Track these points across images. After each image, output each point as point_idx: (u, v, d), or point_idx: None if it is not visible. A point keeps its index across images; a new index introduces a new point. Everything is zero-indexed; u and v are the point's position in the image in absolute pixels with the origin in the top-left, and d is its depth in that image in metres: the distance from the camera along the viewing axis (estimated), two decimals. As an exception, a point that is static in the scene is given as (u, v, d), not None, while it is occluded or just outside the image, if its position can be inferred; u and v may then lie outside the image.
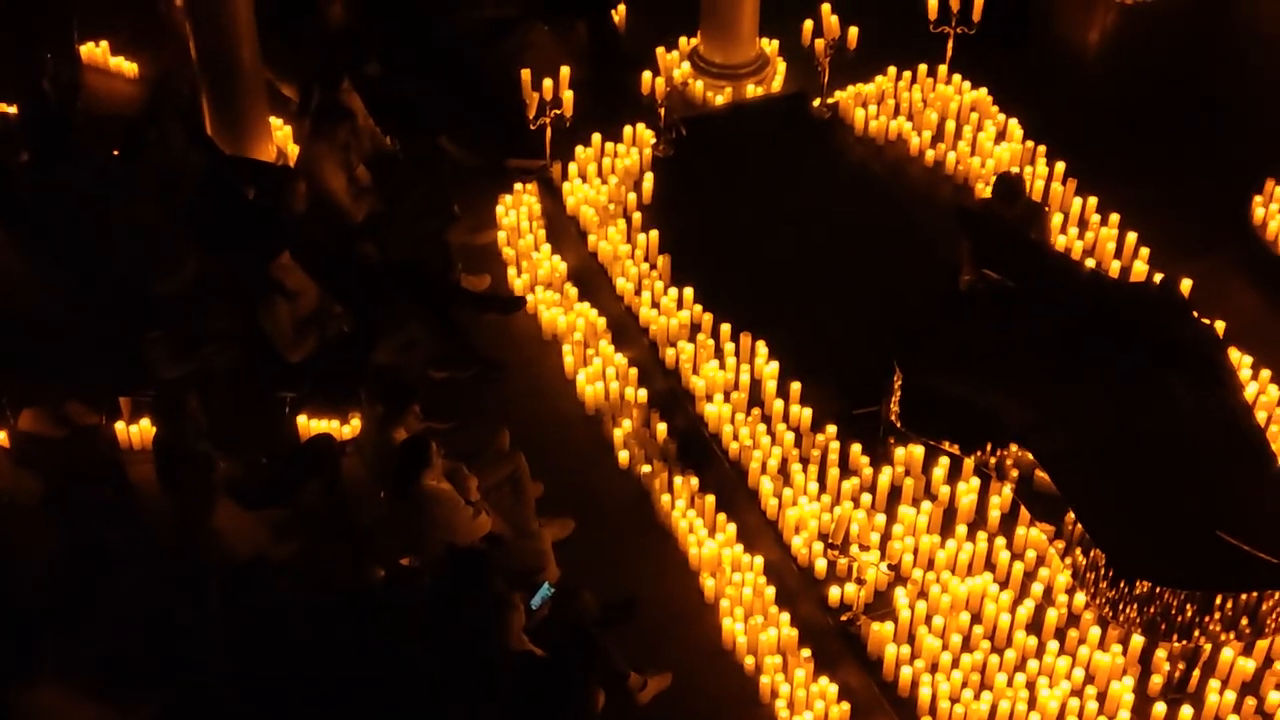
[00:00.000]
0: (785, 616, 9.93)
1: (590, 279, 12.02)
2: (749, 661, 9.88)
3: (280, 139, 12.81)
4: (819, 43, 12.87)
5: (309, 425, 10.91)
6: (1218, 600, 9.02)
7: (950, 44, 13.04)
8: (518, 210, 12.41)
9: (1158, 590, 9.04)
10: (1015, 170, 12.24)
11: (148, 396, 10.78)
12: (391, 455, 9.64)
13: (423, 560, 9.57)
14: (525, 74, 12.21)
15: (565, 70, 12.41)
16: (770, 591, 10.05)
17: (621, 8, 14.02)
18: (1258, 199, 12.42)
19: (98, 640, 9.36)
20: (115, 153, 11.94)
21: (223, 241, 11.08)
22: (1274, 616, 9.15)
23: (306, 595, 9.37)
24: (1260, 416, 10.63)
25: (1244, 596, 9.01)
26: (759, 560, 10.21)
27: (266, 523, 9.94)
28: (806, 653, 9.76)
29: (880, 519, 10.32)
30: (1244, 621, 9.11)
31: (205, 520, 9.68)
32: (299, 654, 9.08)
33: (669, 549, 10.50)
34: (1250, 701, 9.51)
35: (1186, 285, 11.35)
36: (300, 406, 10.95)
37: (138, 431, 10.99)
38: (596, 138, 12.71)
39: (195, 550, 9.71)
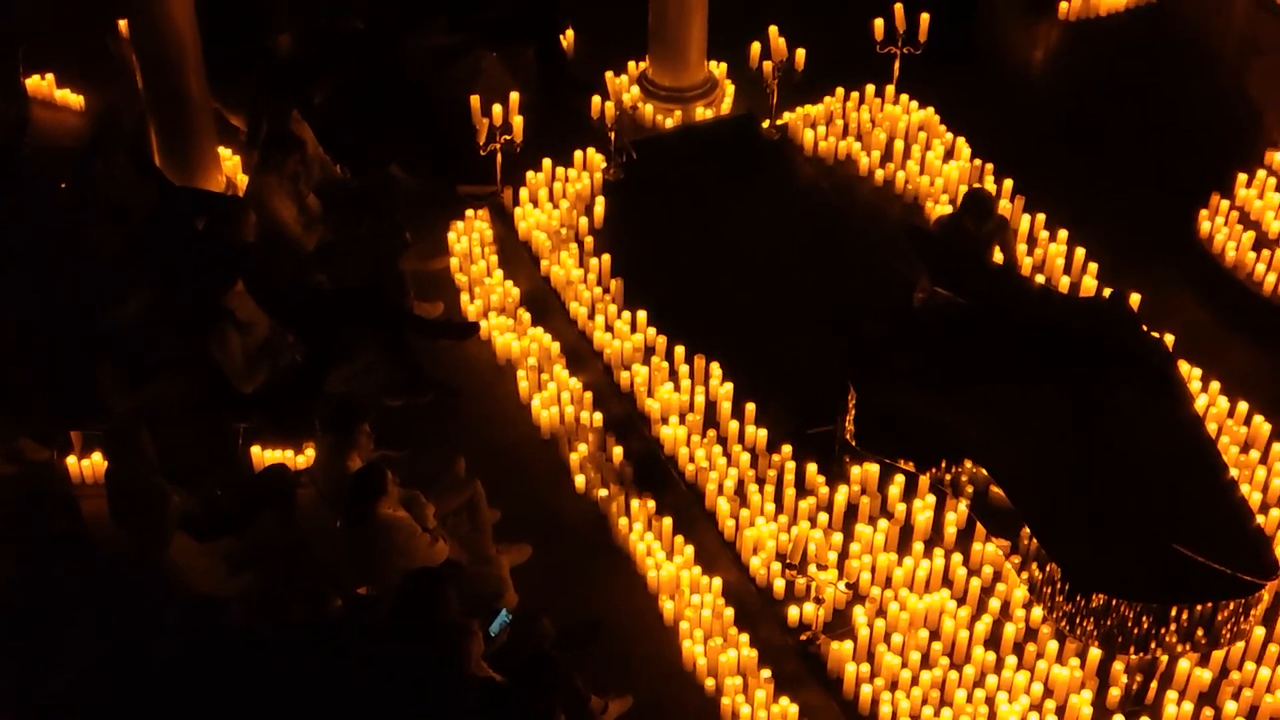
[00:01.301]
0: (745, 637, 9.93)
1: (543, 304, 12.02)
2: (709, 683, 9.87)
3: (229, 169, 12.76)
4: (767, 65, 12.93)
5: (263, 456, 10.85)
6: (1173, 612, 9.08)
7: (897, 64, 13.13)
8: (469, 236, 12.40)
9: (1114, 603, 9.10)
10: (981, 186, 12.32)
11: (99, 430, 10.69)
12: (347, 484, 9.59)
13: (380, 589, 9.52)
14: (475, 100, 12.22)
15: (515, 96, 12.42)
16: (729, 613, 10.05)
17: (570, 33, 14.06)
18: (1203, 212, 12.54)
19: (58, 675, 9.27)
20: (63, 185, 11.86)
21: (172, 273, 11.02)
22: (1229, 627, 9.22)
23: (264, 627, 9.30)
24: (1211, 428, 10.72)
25: (1199, 608, 9.08)
26: (717, 582, 10.22)
27: (222, 555, 9.87)
28: (767, 673, 9.76)
29: (837, 538, 10.35)
30: (1200, 632, 9.17)
31: (160, 554, 9.61)
32: (259, 686, 9.01)
33: (627, 572, 10.49)
34: (1207, 712, 9.56)
35: (1135, 299, 11.46)
36: (253, 437, 10.89)
37: (90, 466, 10.90)
38: (547, 162, 12.72)
39: (151, 584, 9.62)
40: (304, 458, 10.79)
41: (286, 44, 13.22)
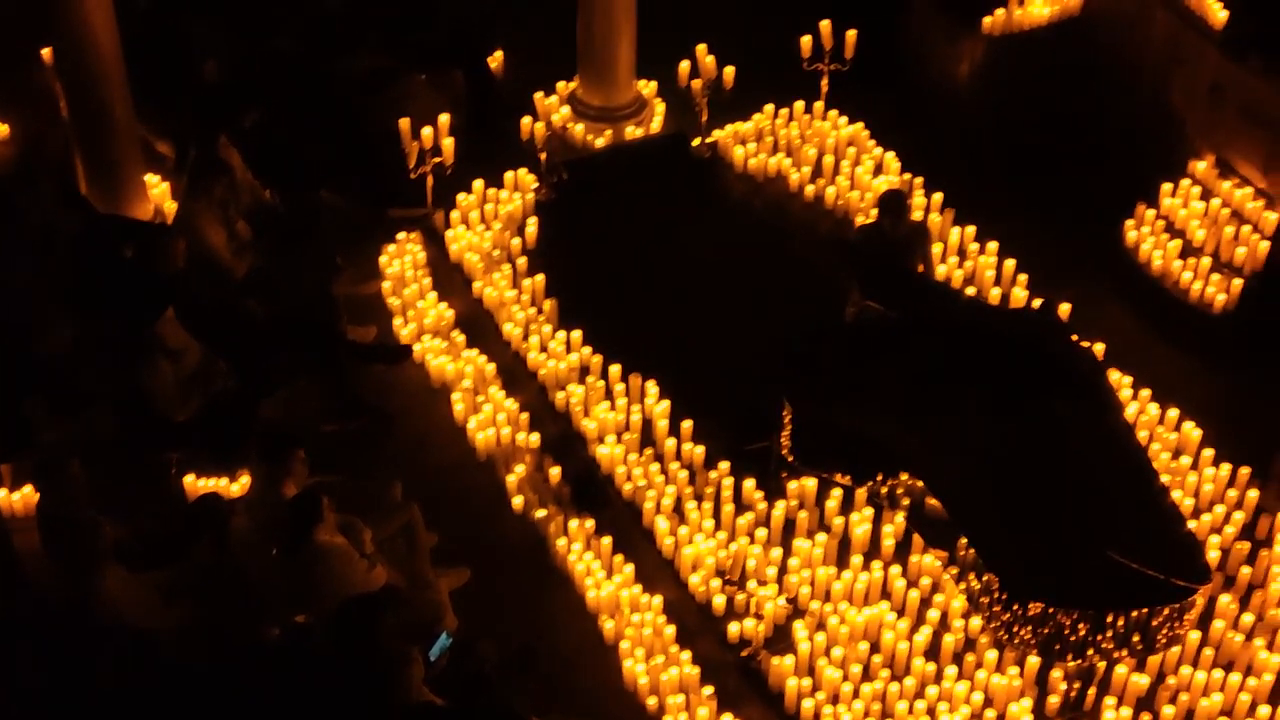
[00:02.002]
0: (686, 655, 9.93)
1: (477, 325, 11.99)
2: (651, 701, 9.85)
3: (157, 196, 12.64)
4: (696, 83, 12.98)
5: (196, 485, 10.75)
6: (1109, 618, 9.15)
7: (825, 81, 13.21)
8: (401, 259, 12.35)
9: (1051, 611, 9.16)
10: (898, 185, 12.40)
11: (29, 462, 10.56)
12: (282, 512, 9.52)
13: (318, 616, 9.45)
14: (404, 123, 12.19)
15: (444, 118, 12.40)
16: (670, 630, 10.05)
17: (498, 54, 14.05)
18: (1129, 222, 12.68)
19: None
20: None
21: (101, 301, 10.91)
22: (1164, 632, 9.31)
23: (200, 658, 9.21)
24: (1141, 435, 10.83)
25: (1135, 613, 9.16)
26: (658, 599, 10.21)
27: (156, 586, 9.76)
28: (709, 690, 9.75)
29: (776, 553, 10.36)
30: (1136, 638, 9.25)
31: (92, 585, 9.49)
32: (197, 717, 8.91)
33: (567, 592, 10.46)
34: (1145, 717, 9.65)
35: (1065, 309, 11.57)
36: (186, 466, 10.78)
37: (20, 499, 10.75)
38: (478, 184, 12.70)
39: (85, 616, 9.51)
40: (238, 486, 10.70)
41: (214, 69, 13.14)
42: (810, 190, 12.99)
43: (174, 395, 10.60)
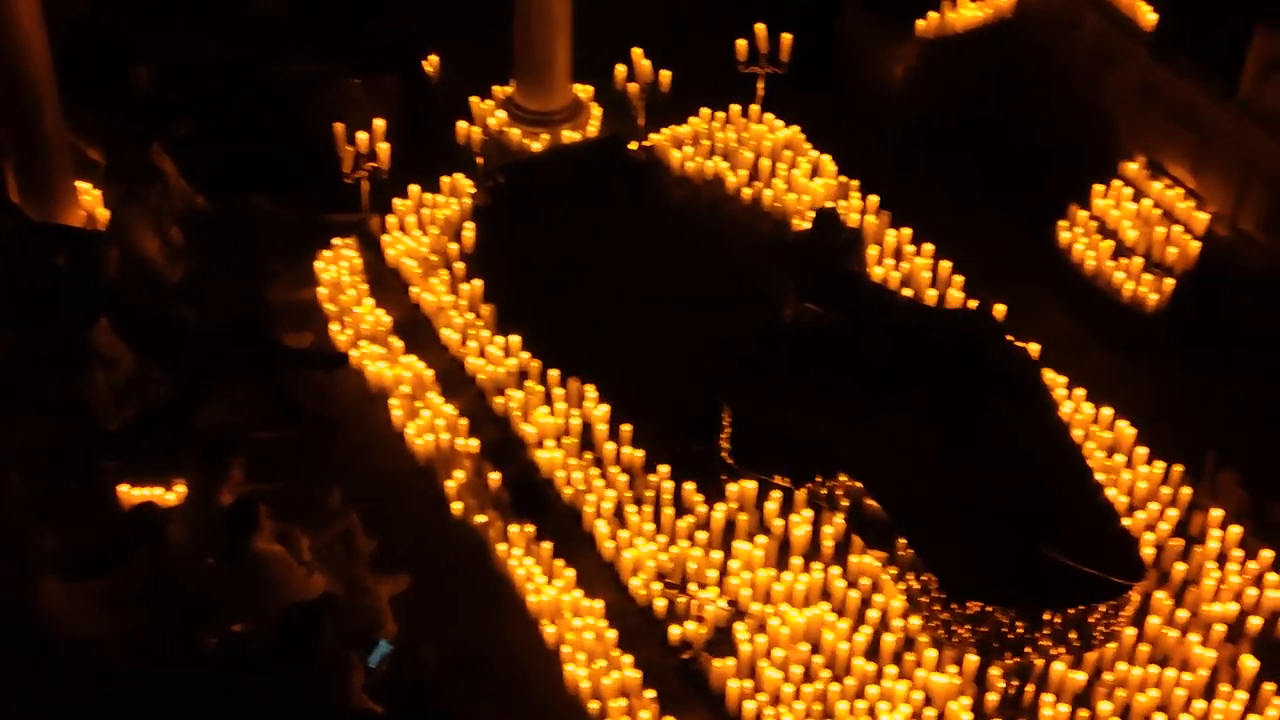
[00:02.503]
0: (628, 659, 9.93)
1: (415, 331, 11.94)
2: (594, 706, 9.84)
3: (89, 203, 12.51)
4: (632, 86, 13.00)
5: (132, 494, 10.64)
6: (1046, 616, 9.23)
7: (761, 84, 13.25)
8: (338, 265, 12.28)
9: (989, 609, 9.23)
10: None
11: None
12: (219, 520, 9.45)
13: (257, 624, 9.38)
14: (339, 128, 12.13)
15: (379, 123, 12.35)
16: (611, 634, 10.05)
17: (434, 57, 14.00)
18: (1062, 223, 12.79)
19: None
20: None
21: (34, 310, 10.80)
22: (1101, 629, 9.40)
23: (138, 668, 9.13)
24: (1076, 434, 10.93)
25: (1071, 610, 9.24)
26: (599, 604, 10.20)
27: (93, 596, 9.66)
28: (651, 694, 9.76)
29: (716, 555, 10.38)
30: (1073, 635, 9.34)
31: (27, 596, 9.38)
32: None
33: (508, 598, 10.43)
34: (1083, 713, 9.73)
35: (1000, 310, 11.67)
36: (122, 475, 10.68)
37: (-48, 510, 10.62)
38: (415, 189, 12.66)
39: (21, 628, 9.40)
40: (174, 494, 10.60)
41: (146, 75, 13.03)
42: (747, 193, 13.02)
43: (109, 403, 10.51)
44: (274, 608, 9.15)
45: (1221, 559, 10.50)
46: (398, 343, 11.80)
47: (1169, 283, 12.30)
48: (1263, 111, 11.93)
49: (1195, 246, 12.48)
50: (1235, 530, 10.57)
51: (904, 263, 12.42)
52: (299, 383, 11.45)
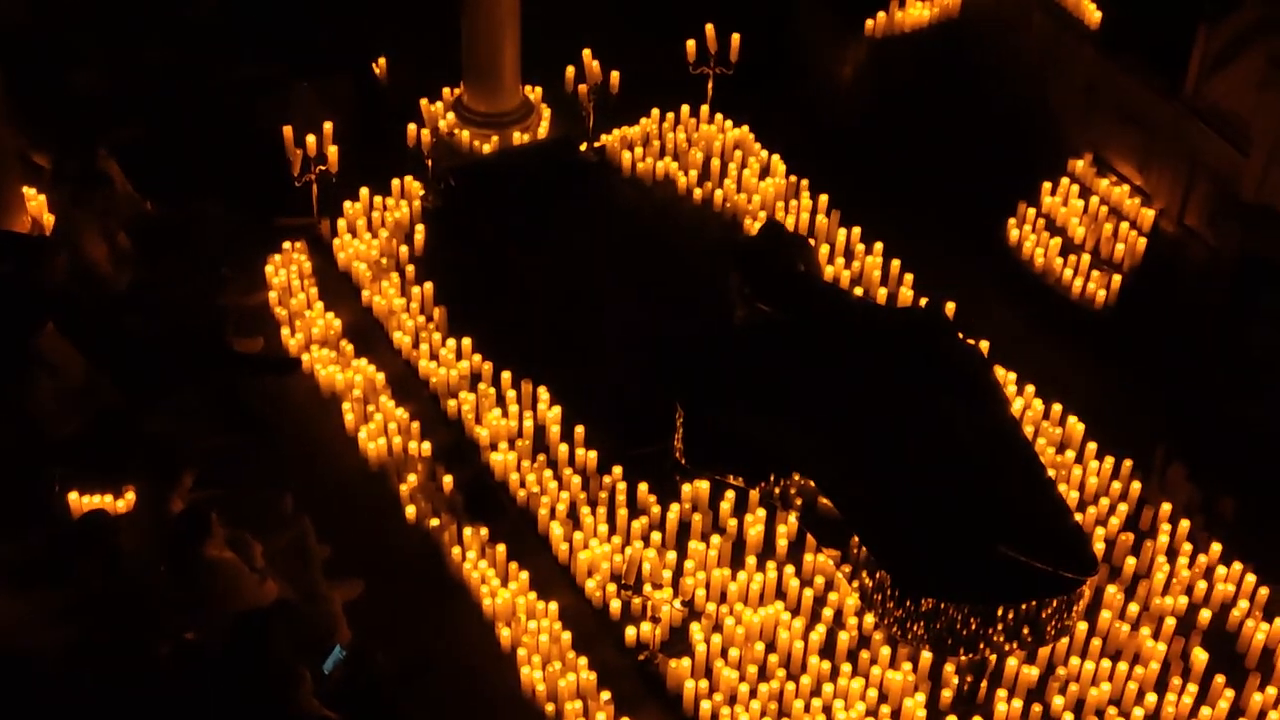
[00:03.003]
0: (584, 660, 9.92)
1: (366, 335, 11.90)
2: (550, 708, 9.83)
3: (34, 209, 12.39)
4: (582, 88, 12.99)
5: (81, 502, 10.55)
6: (1000, 612, 9.28)
7: (710, 84, 13.27)
8: (288, 269, 12.22)
9: (942, 606, 9.27)
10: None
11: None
12: (170, 527, 9.39)
13: (209, 632, 9.32)
14: (287, 131, 12.07)
15: (328, 126, 12.30)
16: (567, 636, 10.04)
17: (382, 60, 13.95)
18: (1011, 221, 12.87)
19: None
20: None
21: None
22: (1054, 624, 9.46)
23: (90, 679, 9.05)
24: (1027, 430, 11.00)
25: (1024, 606, 9.29)
26: (554, 606, 10.19)
27: (42, 606, 9.58)
28: (607, 695, 9.75)
29: (671, 556, 10.39)
30: (1026, 630, 9.39)
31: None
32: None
33: (463, 601, 10.41)
34: (1036, 708, 9.79)
35: (950, 308, 11.72)
36: (70, 483, 10.59)
37: (-102, 521, 10.51)
38: (364, 192, 12.61)
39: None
40: (124, 502, 10.53)
41: (92, 78, 12.93)
42: (698, 193, 13.04)
43: (56, 411, 10.41)
44: (226, 615, 9.10)
45: (1172, 553, 10.59)
46: (349, 347, 11.75)
47: (1116, 279, 12.40)
48: (1207, 108, 12.04)
49: (1142, 243, 12.58)
50: (1185, 524, 10.66)
51: (855, 261, 12.46)
52: (250, 388, 11.39)
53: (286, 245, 12.35)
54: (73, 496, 10.56)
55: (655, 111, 13.43)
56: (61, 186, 11.75)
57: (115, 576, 9.68)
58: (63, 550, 9.88)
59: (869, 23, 14.06)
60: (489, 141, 13.38)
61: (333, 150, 12.19)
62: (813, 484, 9.89)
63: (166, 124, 12.77)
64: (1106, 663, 9.96)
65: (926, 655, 9.78)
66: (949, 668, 9.85)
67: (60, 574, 9.73)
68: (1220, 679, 9.90)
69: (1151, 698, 9.87)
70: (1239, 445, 11.22)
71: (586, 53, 13.01)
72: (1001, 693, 9.84)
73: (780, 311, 10.65)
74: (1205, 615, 10.25)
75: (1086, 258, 12.54)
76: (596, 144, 13.22)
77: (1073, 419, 11.25)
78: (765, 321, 10.69)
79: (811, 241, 12.07)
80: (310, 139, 12.12)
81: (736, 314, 11.08)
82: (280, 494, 10.24)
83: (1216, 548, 10.55)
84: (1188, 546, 10.57)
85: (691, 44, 13.08)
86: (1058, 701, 9.84)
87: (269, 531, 9.84)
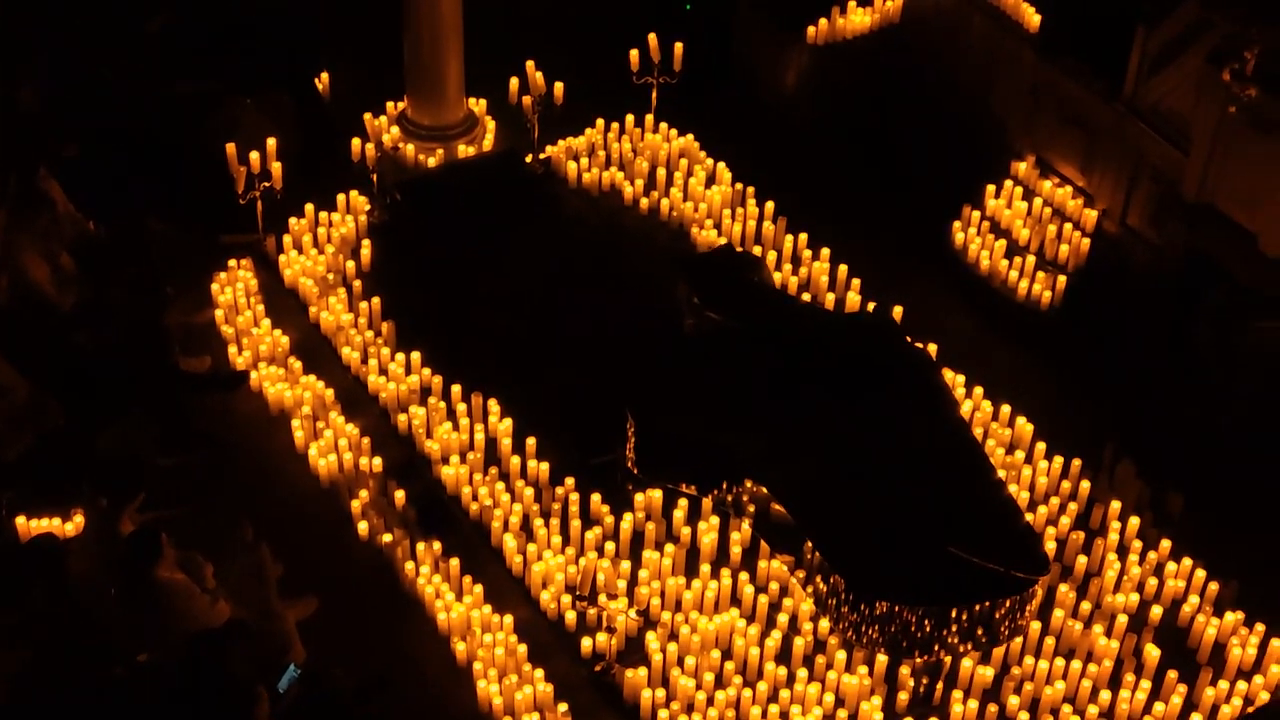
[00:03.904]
0: (540, 673, 9.90)
1: (314, 351, 11.84)
2: (507, 722, 9.82)
3: (-25, 231, 12.29)
4: (526, 99, 12.98)
5: (29, 525, 10.45)
6: (953, 613, 9.32)
7: (655, 94, 13.29)
8: (234, 286, 12.14)
9: (896, 609, 9.30)
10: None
11: None
12: (120, 549, 9.31)
13: (162, 654, 9.25)
14: (230, 148, 12.00)
15: (272, 142, 12.24)
16: (522, 649, 10.01)
17: (325, 75, 13.89)
18: (956, 224, 12.94)
19: None
20: None
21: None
22: (1007, 624, 9.50)
23: (42, 703, 8.97)
24: (976, 432, 11.05)
25: (977, 607, 9.34)
26: (509, 619, 10.17)
27: (-9, 630, 9.49)
28: (564, 707, 9.73)
29: (625, 565, 10.38)
30: (979, 631, 9.44)
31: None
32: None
33: (417, 616, 10.37)
34: (992, 708, 9.84)
35: (898, 312, 11.77)
36: (18, 506, 10.48)
37: None
38: (310, 208, 12.55)
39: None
40: (73, 525, 10.43)
41: (31, 97, 12.81)
42: (645, 203, 13.05)
43: (2, 433, 10.30)
44: (179, 636, 9.03)
45: (1122, 550, 10.67)
46: (297, 363, 11.69)
47: (1061, 280, 12.49)
48: (1148, 109, 12.15)
49: (1085, 243, 12.68)
50: (1135, 521, 10.74)
51: (802, 267, 12.50)
52: (197, 407, 11.31)
53: (232, 262, 12.28)
54: (21, 520, 10.45)
55: (600, 122, 13.44)
56: (1, 207, 11.64)
57: (64, 600, 9.59)
58: (12, 574, 9.78)
59: (810, 30, 14.12)
60: (434, 155, 13.35)
61: (277, 167, 12.13)
62: (765, 490, 9.90)
63: (108, 141, 12.65)
64: (1060, 661, 10.02)
65: (882, 658, 9.81)
66: (905, 670, 9.89)
67: (10, 599, 9.63)
68: (1173, 674, 9.97)
69: (1105, 695, 9.94)
70: (1186, 441, 11.32)
71: (530, 64, 13.01)
72: (957, 694, 9.88)
73: (729, 319, 10.67)
74: (1157, 612, 10.33)
75: (1031, 259, 12.63)
76: (542, 155, 13.21)
77: (1021, 420, 11.32)
78: (714, 329, 10.71)
79: (758, 252, 12.11)
80: (254, 156, 12.05)
81: (686, 323, 11.10)
82: (232, 513, 10.17)
83: (1166, 544, 10.64)
84: (1138, 544, 10.65)
85: (635, 53, 13.09)
86: (1013, 701, 9.89)
87: (221, 551, 9.77)
